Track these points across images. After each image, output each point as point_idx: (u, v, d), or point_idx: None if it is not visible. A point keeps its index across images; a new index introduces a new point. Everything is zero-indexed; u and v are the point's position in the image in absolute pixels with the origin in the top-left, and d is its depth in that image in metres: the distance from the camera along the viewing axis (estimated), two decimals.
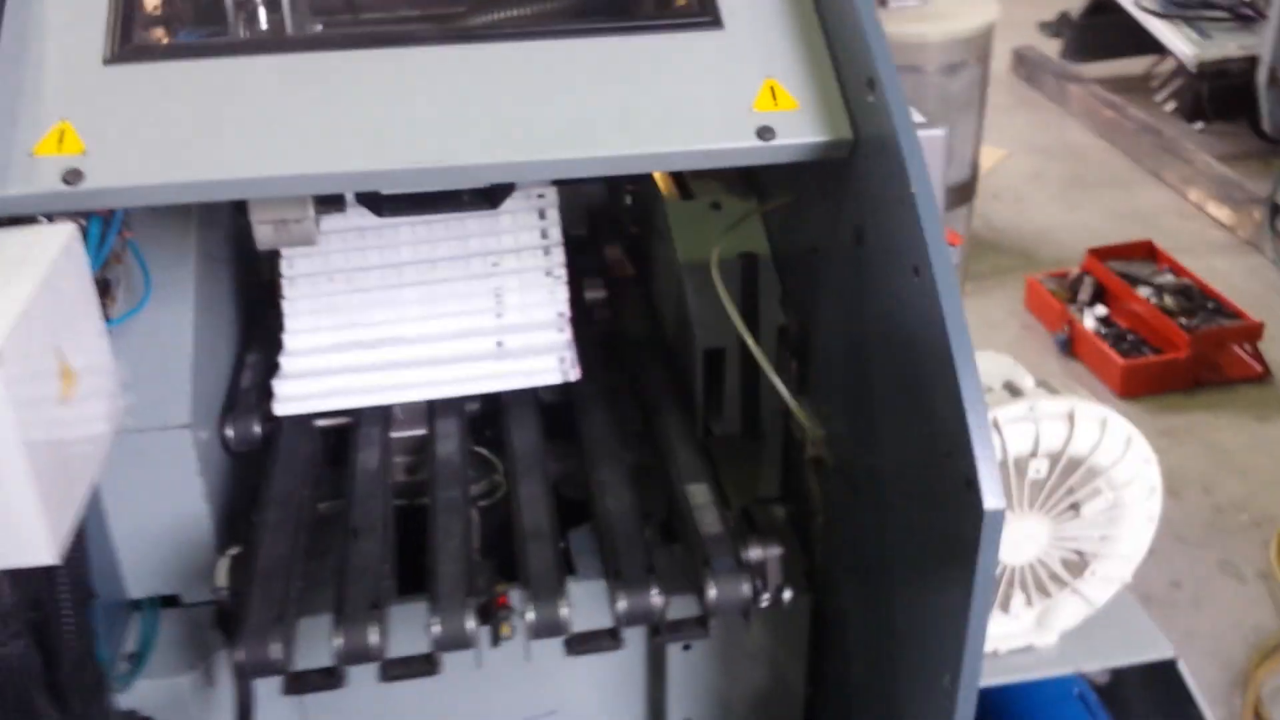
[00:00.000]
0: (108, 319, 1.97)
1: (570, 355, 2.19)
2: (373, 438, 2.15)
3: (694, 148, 1.66)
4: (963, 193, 4.17)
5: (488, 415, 2.27)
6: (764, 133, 1.65)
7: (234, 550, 1.90)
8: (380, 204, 1.90)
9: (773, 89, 1.70)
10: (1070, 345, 4.47)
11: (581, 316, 2.42)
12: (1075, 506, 1.86)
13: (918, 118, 1.64)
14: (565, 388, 2.21)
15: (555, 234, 2.29)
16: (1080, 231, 5.42)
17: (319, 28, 2.14)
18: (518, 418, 2.19)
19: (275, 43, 1.86)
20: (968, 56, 3.71)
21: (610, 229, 2.79)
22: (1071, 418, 1.81)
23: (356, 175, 1.64)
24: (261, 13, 1.92)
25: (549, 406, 2.25)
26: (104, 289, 2.00)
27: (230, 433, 2.17)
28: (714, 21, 1.76)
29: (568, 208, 2.37)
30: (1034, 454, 1.81)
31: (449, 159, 1.63)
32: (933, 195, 1.50)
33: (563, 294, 2.27)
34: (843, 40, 1.69)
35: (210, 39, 1.88)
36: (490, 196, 1.91)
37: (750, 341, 1.91)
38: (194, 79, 1.69)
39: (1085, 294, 4.60)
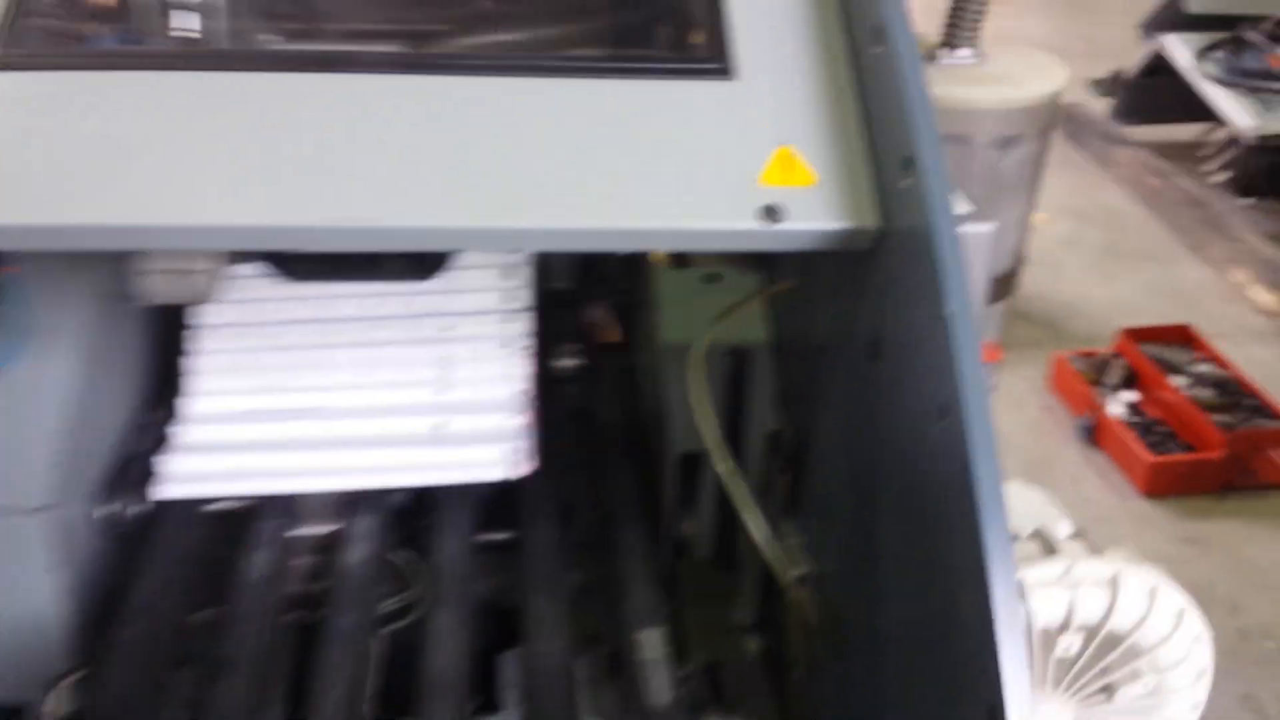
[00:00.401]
0: None
1: (522, 446, 1.84)
2: (267, 535, 1.80)
3: (680, 225, 1.33)
4: (1002, 287, 3.67)
5: (415, 507, 1.93)
6: (770, 213, 1.33)
7: (76, 675, 1.57)
8: (289, 264, 1.56)
9: (786, 158, 1.37)
10: (1093, 433, 4.12)
11: (548, 390, 2.09)
12: (1108, 689, 1.53)
13: (963, 206, 1.32)
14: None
15: (521, 297, 1.95)
16: (1113, 306, 5.07)
17: (271, 34, 1.82)
18: (449, 518, 1.84)
19: (186, 57, 1.53)
20: (1026, 130, 3.23)
21: (600, 285, 2.45)
22: (1115, 585, 1.48)
23: (265, 231, 1.32)
24: (178, 16, 1.59)
25: (490, 497, 1.92)
26: None
27: (105, 513, 1.83)
28: (723, 70, 1.43)
29: (555, 258, 2.04)
30: (1066, 627, 1.48)
31: (382, 218, 1.30)
32: (972, 317, 1.17)
33: (521, 370, 1.93)
34: (878, 107, 1.37)
35: (106, 47, 1.56)
36: (423, 264, 1.58)
37: (725, 468, 1.58)
38: (76, 95, 1.37)
39: (1114, 378, 4.25)
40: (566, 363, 2.29)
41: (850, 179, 1.36)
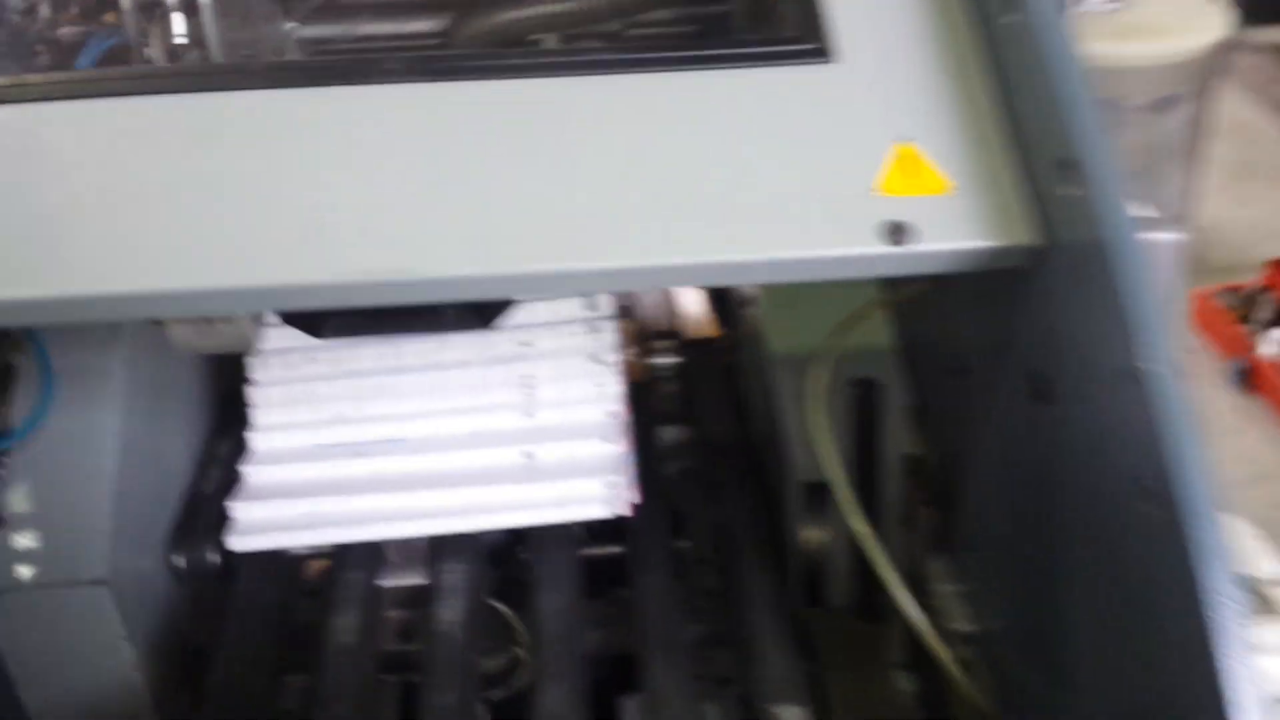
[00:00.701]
0: (5, 433, 1.50)
1: (622, 478, 1.62)
2: (355, 590, 1.62)
3: (783, 255, 1.07)
4: None
5: (510, 547, 1.72)
6: (895, 232, 1.06)
7: None
8: (320, 323, 1.35)
9: (909, 160, 1.10)
10: (1247, 377, 3.76)
11: (642, 395, 1.86)
12: None
13: (1144, 211, 1.04)
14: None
15: (606, 303, 1.72)
16: (1253, 231, 4.65)
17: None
18: (549, 566, 1.64)
19: (179, 75, 1.31)
20: (1185, 88, 2.79)
21: None
22: None
23: (287, 290, 1.09)
24: (177, 21, 1.36)
25: (594, 533, 1.71)
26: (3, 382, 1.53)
27: (182, 562, 1.68)
28: (821, 51, 1.17)
29: None
30: None
31: (426, 267, 1.07)
32: (1178, 369, 0.91)
33: (614, 386, 1.70)
34: (1020, 92, 1.09)
35: (82, 72, 1.34)
36: (481, 312, 1.35)
37: (857, 523, 1.34)
38: (48, 131, 1.15)
39: (1264, 314, 3.88)
40: (660, 361, 2.06)
41: (992, 184, 1.08)
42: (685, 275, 1.09)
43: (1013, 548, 1.26)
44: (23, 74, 1.30)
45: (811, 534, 1.59)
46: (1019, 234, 1.06)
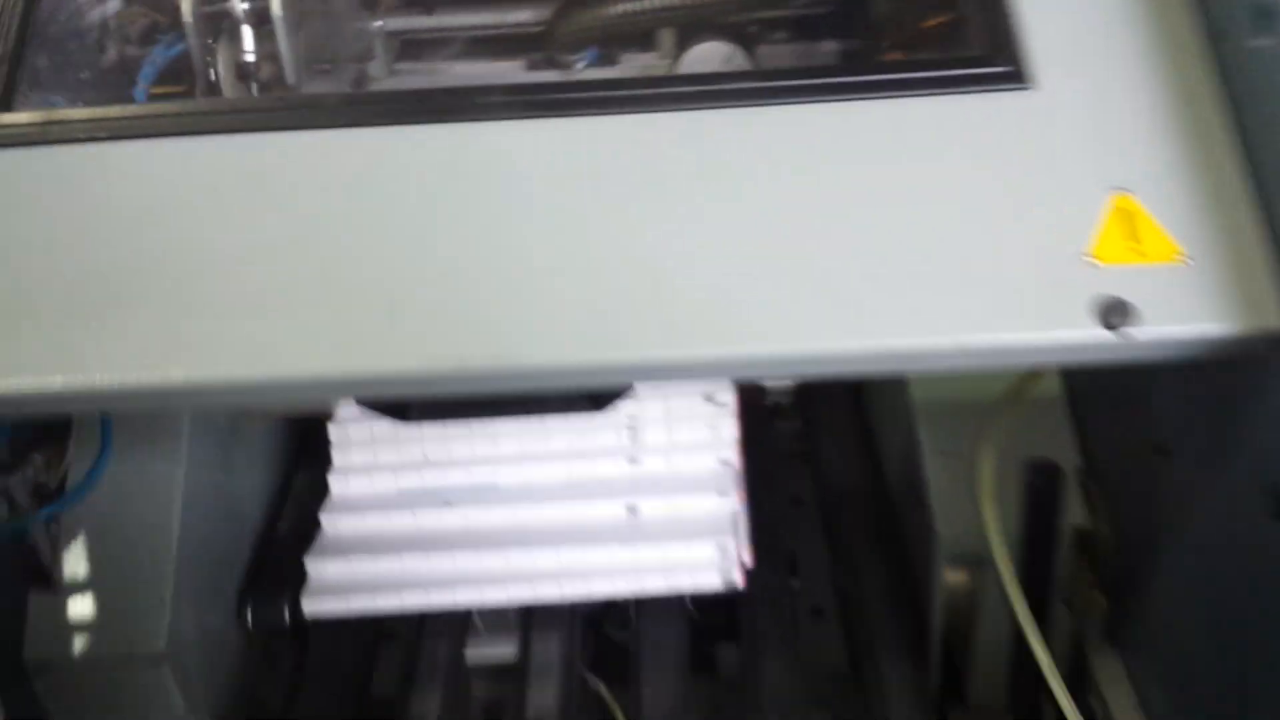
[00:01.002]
0: (57, 495, 1.35)
1: (735, 543, 1.43)
2: (438, 663, 1.45)
3: (965, 341, 0.86)
4: None
5: (609, 609, 1.55)
6: (1113, 313, 0.85)
7: None
8: (405, 407, 1.17)
9: (1127, 215, 0.89)
10: None
11: (757, 428, 1.66)
12: None
13: None
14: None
15: None
16: None
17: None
18: (654, 642, 1.45)
19: (241, 111, 1.12)
20: None
21: None
22: None
23: (370, 381, 0.91)
24: (246, 37, 1.18)
25: (703, 604, 1.52)
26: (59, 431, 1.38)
27: (250, 620, 1.53)
28: (1016, 75, 0.95)
29: None
30: None
31: (535, 354, 0.88)
32: None
33: (729, 430, 1.51)
34: (1271, 136, 0.87)
35: (137, 105, 1.17)
36: (596, 398, 1.16)
37: (1022, 615, 1.14)
38: (96, 180, 0.98)
39: None
40: (775, 384, 1.85)
41: (1232, 251, 0.87)
42: (847, 363, 0.89)
43: (1214, 663, 1.06)
44: (72, 106, 1.13)
45: (957, 615, 1.38)
46: (1266, 317, 0.84)
